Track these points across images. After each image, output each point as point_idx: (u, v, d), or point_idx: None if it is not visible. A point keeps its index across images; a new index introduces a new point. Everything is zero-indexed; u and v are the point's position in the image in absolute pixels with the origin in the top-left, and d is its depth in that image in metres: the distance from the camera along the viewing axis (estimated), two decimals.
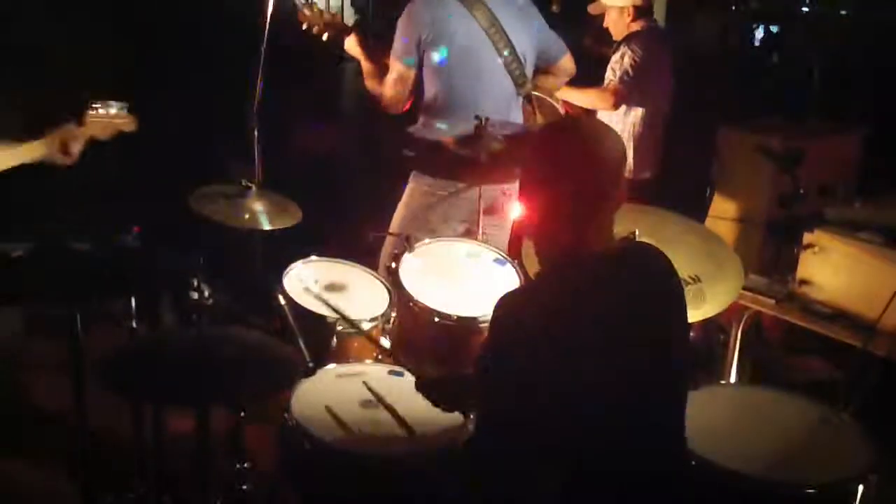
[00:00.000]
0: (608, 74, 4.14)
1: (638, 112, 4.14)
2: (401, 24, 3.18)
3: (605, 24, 4.28)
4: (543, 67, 3.41)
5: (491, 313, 1.70)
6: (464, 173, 3.08)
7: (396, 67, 3.19)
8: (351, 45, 3.32)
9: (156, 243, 2.31)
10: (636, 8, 4.14)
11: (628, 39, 4.14)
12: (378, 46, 3.36)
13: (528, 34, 3.29)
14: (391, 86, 3.21)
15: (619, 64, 4.09)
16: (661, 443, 1.77)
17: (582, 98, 4.08)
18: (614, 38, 4.26)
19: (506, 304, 1.69)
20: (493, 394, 1.69)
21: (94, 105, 2.67)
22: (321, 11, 3.27)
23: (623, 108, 4.13)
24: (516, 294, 1.82)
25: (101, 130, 2.68)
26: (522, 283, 1.81)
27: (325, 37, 3.30)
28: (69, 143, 2.59)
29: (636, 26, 4.16)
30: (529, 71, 3.32)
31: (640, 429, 1.68)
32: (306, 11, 3.27)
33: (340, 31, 3.30)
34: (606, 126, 1.89)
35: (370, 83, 3.31)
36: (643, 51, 4.07)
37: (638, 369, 1.67)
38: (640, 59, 4.05)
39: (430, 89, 3.21)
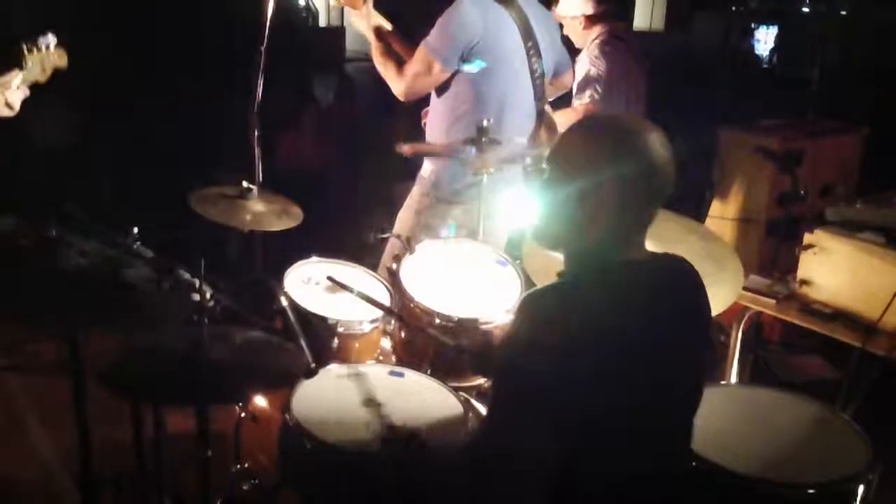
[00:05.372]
0: (576, 92, 3.90)
1: None
2: (449, 23, 3.04)
3: (564, 32, 3.95)
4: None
5: (518, 309, 1.66)
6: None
7: (429, 62, 3.07)
8: (360, 18, 3.23)
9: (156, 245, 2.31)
10: (587, 17, 3.92)
11: (589, 52, 3.93)
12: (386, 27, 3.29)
13: (551, 48, 3.29)
14: (413, 77, 3.10)
15: (584, 82, 3.88)
16: (668, 449, 1.77)
17: (559, 120, 3.92)
18: (576, 45, 4.02)
19: (538, 304, 1.64)
20: (509, 393, 1.66)
21: (28, 44, 2.56)
22: None
23: None
24: (549, 294, 1.71)
25: (40, 72, 2.59)
26: (555, 284, 1.73)
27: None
28: (7, 94, 2.53)
29: (593, 34, 3.94)
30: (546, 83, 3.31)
31: (651, 436, 1.68)
32: None
33: None
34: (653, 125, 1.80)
35: (380, 64, 3.20)
36: (605, 62, 3.86)
37: (662, 382, 1.66)
38: (604, 72, 3.84)
39: (458, 91, 3.15)
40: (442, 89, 3.20)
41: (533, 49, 3.17)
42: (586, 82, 3.85)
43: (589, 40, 3.95)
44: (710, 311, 1.79)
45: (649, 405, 1.65)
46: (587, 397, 1.57)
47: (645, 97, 4.07)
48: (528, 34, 3.15)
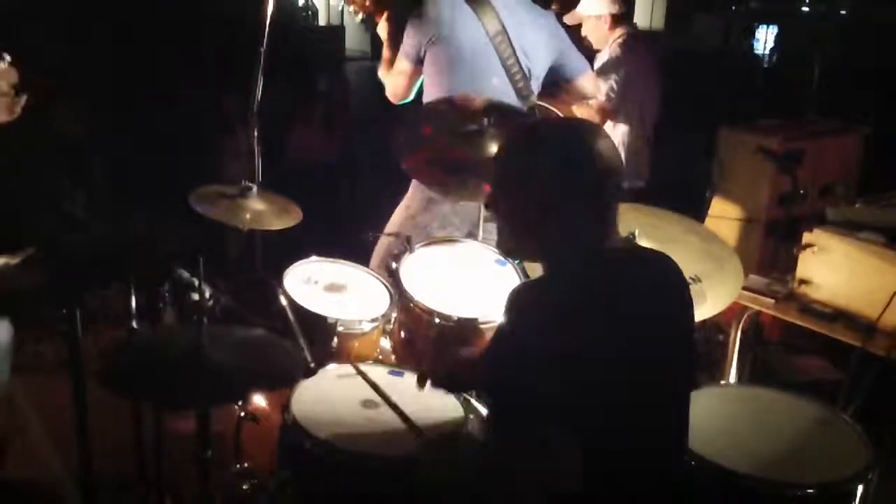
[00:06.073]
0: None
1: (627, 124, 4.07)
2: (411, 20, 3.19)
3: (583, 34, 4.09)
4: (557, 83, 3.37)
5: (506, 304, 1.69)
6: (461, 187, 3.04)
7: (401, 61, 3.23)
8: (382, 27, 3.34)
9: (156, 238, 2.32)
10: (613, 16, 4.00)
11: (611, 50, 4.01)
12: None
13: (538, 47, 3.23)
14: (393, 77, 3.27)
15: (603, 76, 3.95)
16: (664, 445, 1.77)
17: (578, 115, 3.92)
18: (594, 46, 4.11)
19: (522, 296, 1.68)
20: (501, 384, 1.69)
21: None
22: None
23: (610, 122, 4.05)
24: (532, 287, 1.78)
25: (8, 88, 2.63)
26: (538, 278, 1.78)
27: (359, 16, 3.32)
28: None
29: (615, 34, 4.03)
30: (535, 85, 3.27)
31: (644, 430, 1.68)
32: None
33: (378, 10, 3.29)
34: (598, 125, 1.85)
35: (382, 70, 3.35)
36: (626, 61, 3.94)
37: (646, 372, 1.67)
38: (623, 70, 3.93)
39: (431, 91, 3.20)
40: (425, 88, 3.25)
41: (504, 46, 3.15)
42: (605, 77, 3.89)
43: (611, 40, 4.03)
44: (692, 306, 1.81)
45: (634, 400, 1.66)
46: (566, 388, 1.59)
47: (659, 98, 4.11)
48: (497, 31, 3.13)
